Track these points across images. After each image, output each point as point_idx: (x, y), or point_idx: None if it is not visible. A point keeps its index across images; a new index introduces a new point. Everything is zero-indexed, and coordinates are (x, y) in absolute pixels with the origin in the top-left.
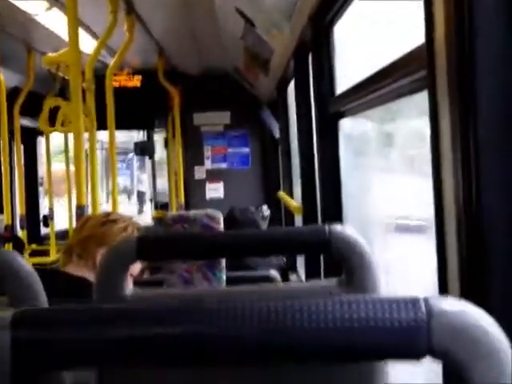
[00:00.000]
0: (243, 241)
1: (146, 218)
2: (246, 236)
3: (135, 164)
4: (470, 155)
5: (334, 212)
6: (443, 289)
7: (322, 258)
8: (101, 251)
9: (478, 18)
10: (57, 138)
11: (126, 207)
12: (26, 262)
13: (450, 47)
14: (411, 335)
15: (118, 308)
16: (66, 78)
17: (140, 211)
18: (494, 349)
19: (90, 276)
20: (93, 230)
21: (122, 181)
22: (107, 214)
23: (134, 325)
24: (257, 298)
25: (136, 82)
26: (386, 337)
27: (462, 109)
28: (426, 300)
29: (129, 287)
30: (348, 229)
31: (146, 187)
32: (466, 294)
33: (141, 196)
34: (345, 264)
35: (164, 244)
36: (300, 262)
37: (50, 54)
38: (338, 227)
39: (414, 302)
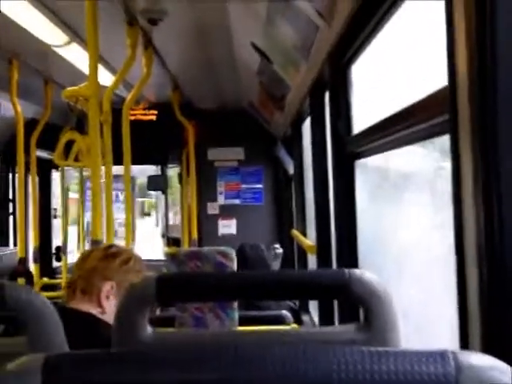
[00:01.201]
0: (263, 283)
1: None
2: (266, 278)
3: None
4: (493, 200)
5: (350, 253)
6: (464, 340)
7: (335, 301)
8: (105, 285)
9: (500, 61)
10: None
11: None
12: (48, 303)
13: (472, 91)
14: None
15: (145, 353)
16: (84, 110)
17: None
18: None
19: (95, 311)
20: (96, 263)
21: None
22: (108, 247)
23: (158, 370)
24: (279, 341)
25: (152, 116)
26: None
27: (485, 154)
28: (454, 354)
29: (147, 328)
30: (368, 273)
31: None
32: (488, 346)
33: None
34: (364, 309)
35: (183, 285)
36: (312, 303)
37: (69, 88)
38: (357, 271)
39: (443, 355)
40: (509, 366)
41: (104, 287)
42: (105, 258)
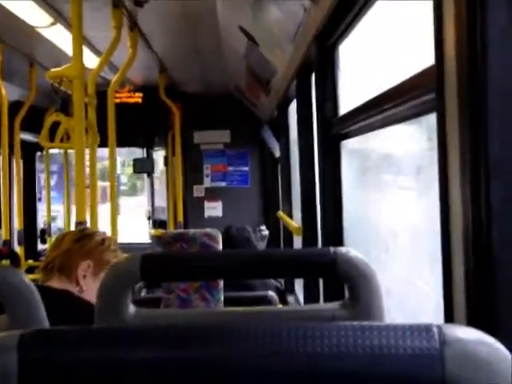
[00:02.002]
0: (249, 261)
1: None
2: (252, 256)
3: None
4: (480, 180)
5: (335, 234)
6: (449, 316)
7: (321, 280)
8: (82, 264)
9: (490, 39)
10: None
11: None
12: (26, 279)
13: (460, 69)
14: (424, 363)
15: (126, 329)
16: (69, 92)
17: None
18: (508, 379)
19: (73, 289)
20: (71, 244)
21: None
22: (83, 230)
23: (140, 347)
24: (262, 320)
25: (137, 98)
26: (399, 364)
27: (472, 133)
28: (439, 328)
29: (130, 306)
30: (353, 251)
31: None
32: (473, 320)
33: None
34: (349, 287)
35: (168, 264)
36: (298, 284)
37: (53, 69)
38: (343, 249)
39: (428, 329)
40: (494, 339)
41: (81, 266)
42: (80, 240)
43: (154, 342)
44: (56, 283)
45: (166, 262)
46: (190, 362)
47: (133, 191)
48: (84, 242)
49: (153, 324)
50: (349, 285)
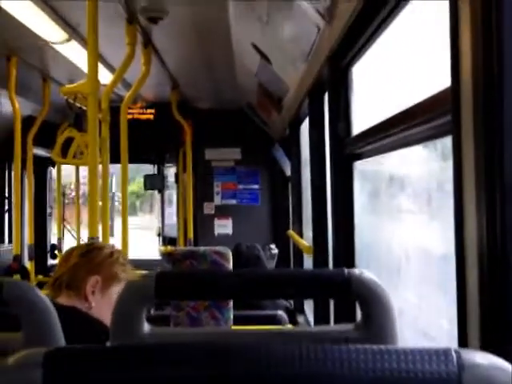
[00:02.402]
0: (264, 281)
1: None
2: (268, 276)
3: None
4: (496, 204)
5: (347, 254)
6: (463, 339)
7: (331, 301)
8: (90, 280)
9: (506, 62)
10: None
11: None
12: (44, 296)
13: (476, 92)
14: None
15: (147, 348)
16: (82, 108)
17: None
18: None
19: (81, 306)
20: (79, 258)
21: None
22: (90, 244)
23: (162, 366)
24: (275, 340)
25: (149, 115)
26: None
27: (488, 156)
28: (457, 352)
29: (145, 325)
30: (367, 272)
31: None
32: (487, 346)
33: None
34: (363, 308)
35: (182, 282)
36: (307, 304)
37: (68, 85)
38: (356, 270)
39: (446, 353)
40: (510, 364)
41: (89, 282)
42: (87, 253)
43: (169, 361)
44: (64, 300)
45: (180, 281)
46: (207, 380)
47: (132, 210)
48: (92, 256)
49: (171, 342)
50: (362, 306)
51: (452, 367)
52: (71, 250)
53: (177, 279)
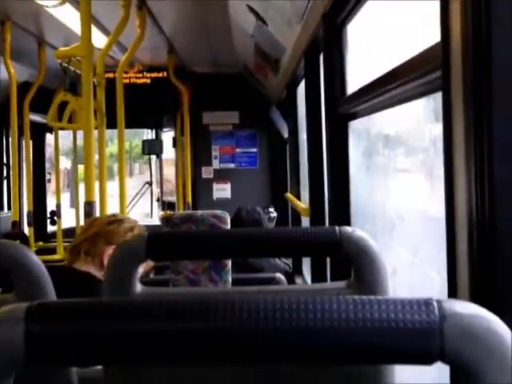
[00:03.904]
0: (254, 239)
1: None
2: (257, 234)
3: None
4: (484, 161)
5: (343, 214)
6: (452, 293)
7: (328, 261)
8: (108, 249)
9: (495, 16)
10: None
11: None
12: (35, 257)
13: (466, 46)
14: (423, 337)
15: (132, 302)
16: (78, 72)
17: None
18: (507, 354)
19: (97, 273)
20: (101, 228)
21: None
22: (114, 215)
23: (147, 320)
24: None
25: (146, 79)
26: (398, 338)
27: (477, 112)
28: (439, 302)
29: (137, 285)
30: (358, 230)
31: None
32: (476, 299)
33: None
34: (355, 266)
35: (173, 242)
36: (306, 266)
37: (62, 48)
38: (348, 229)
39: (427, 303)
40: (494, 314)
41: (107, 251)
42: (109, 224)
43: (160, 315)
44: (81, 265)
45: (171, 241)
46: (201, 335)
47: (109, 176)
48: (113, 227)
49: (160, 298)
50: (354, 264)
51: (433, 316)
52: (93, 220)
53: (167, 239)
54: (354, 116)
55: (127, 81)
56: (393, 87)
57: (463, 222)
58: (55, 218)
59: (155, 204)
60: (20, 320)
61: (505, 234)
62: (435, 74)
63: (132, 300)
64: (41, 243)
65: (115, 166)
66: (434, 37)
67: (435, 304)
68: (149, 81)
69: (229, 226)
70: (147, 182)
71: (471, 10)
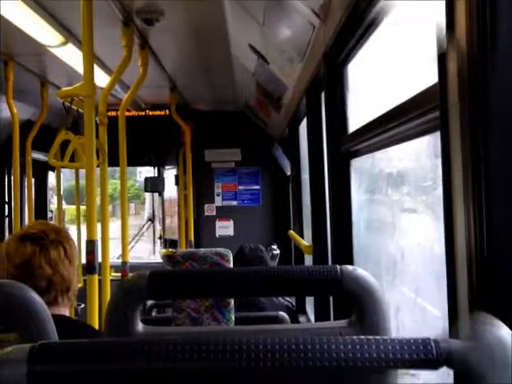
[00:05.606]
0: (256, 278)
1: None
2: (258, 273)
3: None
4: (482, 199)
5: (345, 252)
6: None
7: (331, 300)
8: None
9: (491, 62)
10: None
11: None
12: (38, 297)
13: (462, 87)
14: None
15: (133, 343)
16: (80, 111)
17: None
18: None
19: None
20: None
21: None
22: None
23: (147, 361)
24: (267, 336)
25: (148, 117)
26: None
27: (474, 151)
28: (436, 342)
29: (139, 324)
30: (359, 269)
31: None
32: None
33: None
34: (356, 304)
35: (175, 281)
36: (310, 304)
37: (64, 88)
38: (349, 267)
39: (425, 343)
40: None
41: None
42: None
43: (161, 355)
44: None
45: (172, 279)
46: (195, 375)
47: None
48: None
49: (160, 338)
50: (355, 302)
51: (431, 356)
52: None
53: (169, 278)
54: (356, 154)
55: (129, 119)
56: (393, 126)
57: (463, 255)
58: None
59: (157, 242)
60: (23, 361)
61: (502, 269)
62: (433, 114)
63: (133, 341)
64: None
65: (110, 206)
66: (431, 77)
67: (433, 344)
68: (151, 119)
69: (231, 264)
70: (149, 219)
71: (466, 53)
